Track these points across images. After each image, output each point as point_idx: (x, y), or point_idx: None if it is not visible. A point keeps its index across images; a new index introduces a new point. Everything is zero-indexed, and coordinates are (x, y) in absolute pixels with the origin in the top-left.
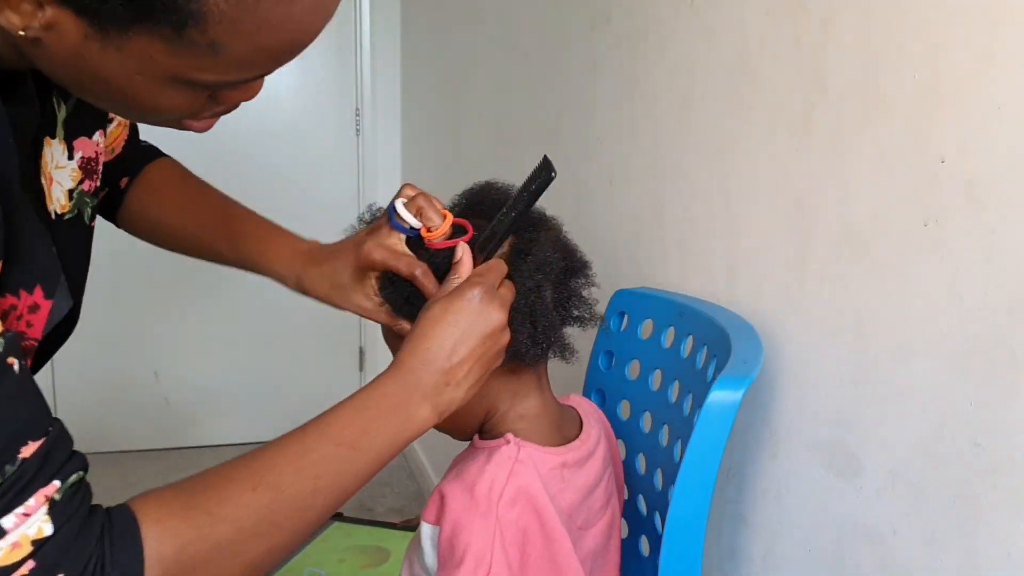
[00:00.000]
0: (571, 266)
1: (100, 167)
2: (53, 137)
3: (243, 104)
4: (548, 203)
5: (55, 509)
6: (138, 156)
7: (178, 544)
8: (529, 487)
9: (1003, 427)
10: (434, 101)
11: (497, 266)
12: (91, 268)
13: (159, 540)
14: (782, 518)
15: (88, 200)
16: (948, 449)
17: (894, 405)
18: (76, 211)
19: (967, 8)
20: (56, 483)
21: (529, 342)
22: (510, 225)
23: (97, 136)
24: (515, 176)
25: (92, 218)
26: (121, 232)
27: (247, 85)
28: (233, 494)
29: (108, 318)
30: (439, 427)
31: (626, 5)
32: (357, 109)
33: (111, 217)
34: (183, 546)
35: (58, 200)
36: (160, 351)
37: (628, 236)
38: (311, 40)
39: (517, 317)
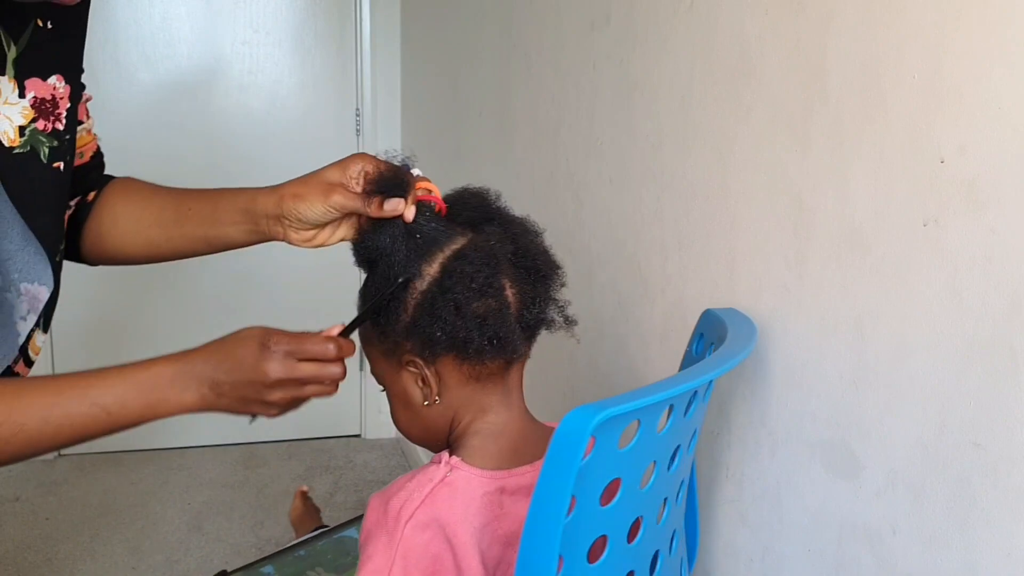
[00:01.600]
0: (535, 267)
1: (62, 113)
2: (3, 75)
3: (244, 103)
4: (548, 203)
5: None
6: (103, 175)
7: None
8: (443, 514)
9: (1003, 427)
10: (434, 101)
11: (322, 349)
12: (90, 268)
13: None
14: (781, 517)
15: (44, 139)
16: (948, 449)
17: (894, 405)
18: (29, 148)
19: (967, 9)
20: None
21: (476, 335)
22: (366, 315)
23: (54, 80)
24: (515, 176)
25: (53, 160)
26: None
27: None
28: None
29: (108, 317)
30: (415, 441)
31: (626, 5)
32: (357, 109)
33: (77, 245)
34: None
35: (5, 133)
36: (160, 351)
37: (628, 236)
38: None
39: (454, 310)
